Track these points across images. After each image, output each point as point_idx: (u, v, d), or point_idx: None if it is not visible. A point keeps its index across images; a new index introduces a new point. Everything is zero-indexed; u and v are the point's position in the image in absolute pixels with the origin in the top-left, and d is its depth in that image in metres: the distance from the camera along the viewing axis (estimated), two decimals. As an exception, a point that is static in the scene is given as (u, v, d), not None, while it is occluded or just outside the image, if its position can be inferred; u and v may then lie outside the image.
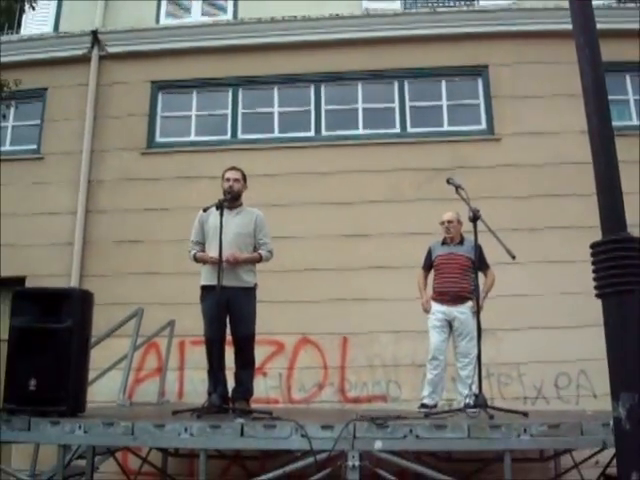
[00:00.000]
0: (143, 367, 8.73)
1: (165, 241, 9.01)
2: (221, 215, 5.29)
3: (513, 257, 5.09)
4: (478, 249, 5.96)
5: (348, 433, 4.04)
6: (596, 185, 3.13)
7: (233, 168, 5.98)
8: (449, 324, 6.44)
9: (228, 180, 5.84)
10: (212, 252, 5.55)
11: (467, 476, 6.38)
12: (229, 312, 5.58)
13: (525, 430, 4.15)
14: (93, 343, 7.66)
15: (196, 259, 5.78)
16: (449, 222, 6.57)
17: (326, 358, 8.56)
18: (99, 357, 7.94)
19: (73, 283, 9.03)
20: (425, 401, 6.29)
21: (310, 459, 4.06)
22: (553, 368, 8.14)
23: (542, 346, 8.06)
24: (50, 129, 10.02)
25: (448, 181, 5.65)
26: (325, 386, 8.49)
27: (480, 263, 6.22)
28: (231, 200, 5.73)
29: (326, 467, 4.13)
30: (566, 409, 7.77)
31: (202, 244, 5.80)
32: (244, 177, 5.99)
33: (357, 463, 3.96)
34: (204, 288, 5.68)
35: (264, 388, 8.39)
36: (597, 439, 4.17)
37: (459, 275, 6.43)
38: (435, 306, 6.51)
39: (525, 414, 4.94)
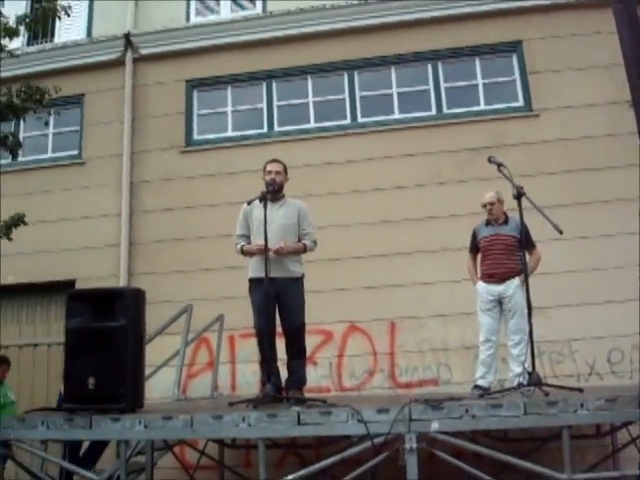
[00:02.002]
0: (195, 362, 8.86)
1: (209, 237, 9.10)
2: (265, 207, 5.32)
3: (560, 232, 5.04)
4: (524, 228, 5.89)
5: (404, 416, 4.06)
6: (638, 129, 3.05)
7: (274, 160, 6.01)
8: (499, 303, 6.37)
9: (270, 173, 5.87)
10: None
11: (523, 455, 6.32)
12: (278, 303, 5.63)
13: (582, 405, 4.12)
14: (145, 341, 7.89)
15: (243, 252, 5.83)
16: (490, 204, 6.48)
17: (375, 345, 8.57)
18: (151, 355, 8.01)
19: (121, 283, 9.19)
20: (479, 382, 6.25)
21: (367, 443, 4.09)
22: (605, 343, 8.01)
23: (593, 322, 7.97)
24: (90, 134, 10.20)
25: (489, 160, 5.59)
26: (375, 372, 8.51)
27: (526, 242, 6.15)
28: (274, 192, 5.76)
29: (383, 451, 4.15)
30: (620, 384, 7.65)
31: (247, 237, 5.85)
32: (285, 169, 6.02)
33: (414, 445, 3.98)
34: (252, 280, 5.73)
35: (315, 377, 8.40)
36: (656, 411, 4.11)
37: (506, 255, 6.36)
38: (484, 287, 6.45)
39: (580, 390, 4.90)
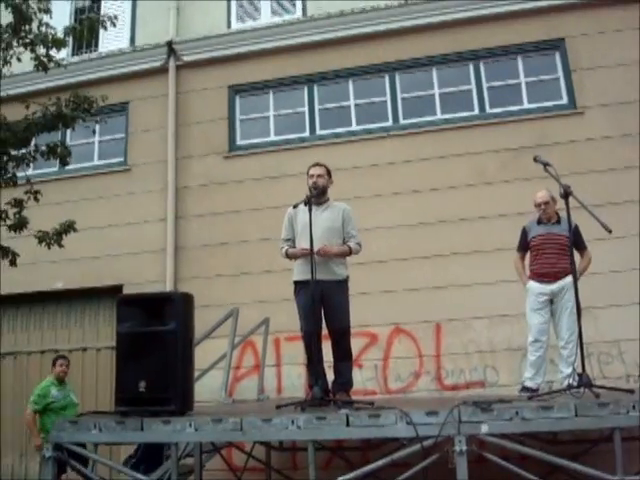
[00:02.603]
0: (241, 365, 8.95)
1: (254, 241, 9.19)
2: (310, 211, 5.34)
3: (609, 231, 4.97)
4: (575, 228, 5.85)
5: (453, 418, 4.04)
6: None
7: (317, 164, 6.03)
8: (550, 303, 6.28)
9: (312, 176, 5.90)
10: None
11: (573, 458, 6.24)
12: (323, 305, 5.64)
13: (634, 406, 4.05)
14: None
15: (288, 255, 5.87)
16: (545, 204, 6.35)
17: (420, 347, 8.56)
18: (198, 358, 8.05)
19: (168, 288, 9.33)
20: (527, 384, 6.18)
21: (416, 446, 4.08)
22: (655, 344, 7.87)
23: (642, 322, 7.84)
24: (135, 141, 10.39)
25: (535, 159, 5.52)
26: (421, 375, 8.49)
27: (578, 243, 6.11)
28: (317, 196, 5.78)
29: (432, 453, 4.14)
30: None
31: (292, 241, 5.88)
32: (329, 172, 6.03)
33: (464, 448, 3.96)
34: (297, 283, 5.76)
35: (361, 380, 8.41)
36: None
37: (559, 255, 6.23)
38: (535, 286, 6.33)
39: (631, 391, 4.82)
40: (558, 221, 6.35)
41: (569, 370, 5.82)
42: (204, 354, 7.96)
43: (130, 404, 4.73)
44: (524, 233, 6.58)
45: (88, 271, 9.76)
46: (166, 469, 5.53)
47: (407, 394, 8.44)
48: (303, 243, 5.59)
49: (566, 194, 5.24)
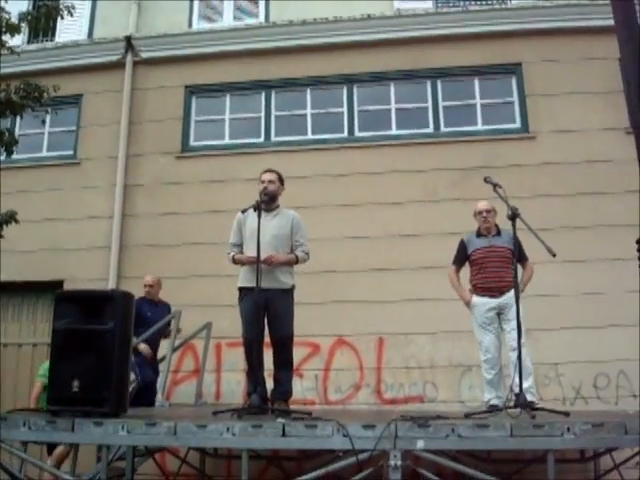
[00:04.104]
0: (180, 369, 8.80)
1: (201, 244, 9.08)
2: (259, 217, 5.30)
3: (554, 255, 5.04)
4: (517, 240, 5.83)
5: (390, 433, 4.02)
6: (638, 155, 3.04)
7: (269, 170, 6.01)
8: (497, 317, 6.24)
9: (263, 182, 5.87)
10: (250, 254, 5.58)
11: (507, 477, 6.31)
12: (267, 313, 5.60)
13: (569, 429, 4.09)
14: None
15: (234, 261, 5.81)
16: (487, 212, 6.34)
17: (362, 359, 8.55)
18: None
19: (110, 286, 9.15)
20: (494, 402, 6.08)
21: (351, 459, 4.05)
22: (592, 368, 8.03)
23: (580, 346, 8.00)
24: (86, 135, 10.18)
25: (486, 179, 5.58)
26: (361, 387, 8.48)
27: (520, 255, 6.05)
28: (267, 202, 5.75)
29: (367, 467, 4.12)
30: (606, 409, 7.65)
31: (240, 246, 5.83)
32: (280, 179, 6.02)
33: (399, 462, 3.94)
34: (242, 289, 5.71)
35: (300, 389, 8.35)
36: (640, 438, 4.10)
37: (503, 268, 6.21)
38: (480, 302, 6.28)
39: (567, 414, 4.87)
40: (498, 233, 6.32)
41: (527, 383, 5.79)
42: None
43: (63, 403, 4.59)
44: (462, 245, 6.54)
45: (29, 264, 9.49)
46: (96, 472, 5.40)
47: (346, 406, 8.42)
48: (251, 249, 5.54)
49: (513, 216, 5.29)
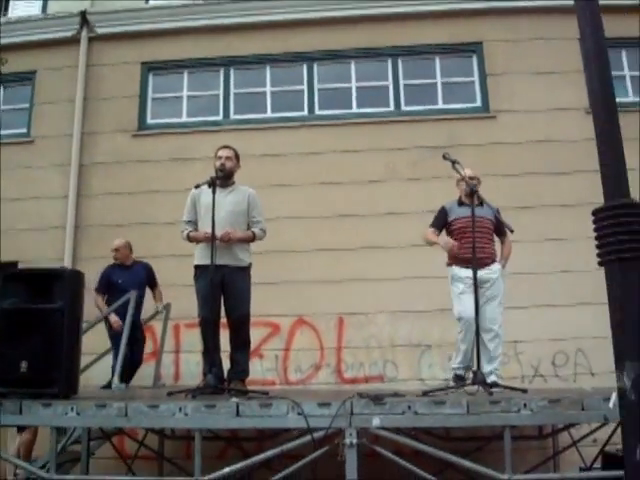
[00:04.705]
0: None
1: (159, 224, 8.90)
2: (214, 193, 5.19)
3: (511, 231, 5.03)
4: (498, 212, 5.74)
5: (345, 410, 3.97)
6: (598, 148, 3.00)
7: (225, 146, 5.90)
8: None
9: (220, 158, 5.75)
10: (206, 230, 5.44)
11: (465, 455, 6.30)
12: (223, 292, 5.50)
13: (525, 405, 4.09)
14: (86, 327, 7.66)
15: (189, 238, 5.69)
16: (471, 178, 5.89)
17: (322, 339, 8.51)
18: (94, 341, 7.91)
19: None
20: (459, 372, 5.88)
21: (306, 437, 4.00)
22: (550, 346, 8.10)
23: (539, 324, 8.03)
24: (40, 112, 9.90)
25: (444, 156, 5.51)
26: (321, 367, 8.45)
27: (501, 227, 5.86)
28: (223, 178, 5.64)
29: (323, 446, 4.06)
30: (564, 387, 7.72)
31: (195, 223, 5.71)
32: (237, 156, 5.91)
33: (354, 441, 3.89)
34: (197, 267, 5.60)
35: (260, 370, 8.35)
36: (598, 414, 4.11)
37: (485, 239, 5.94)
38: (461, 271, 5.88)
39: (524, 391, 4.88)
40: (481, 204, 5.91)
41: (492, 366, 5.74)
42: (102, 338, 7.79)
43: (10, 385, 4.45)
44: (443, 212, 6.18)
45: (-19, 245, 9.26)
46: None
47: (307, 386, 8.38)
48: (206, 226, 5.42)
49: (471, 192, 5.26)
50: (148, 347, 8.57)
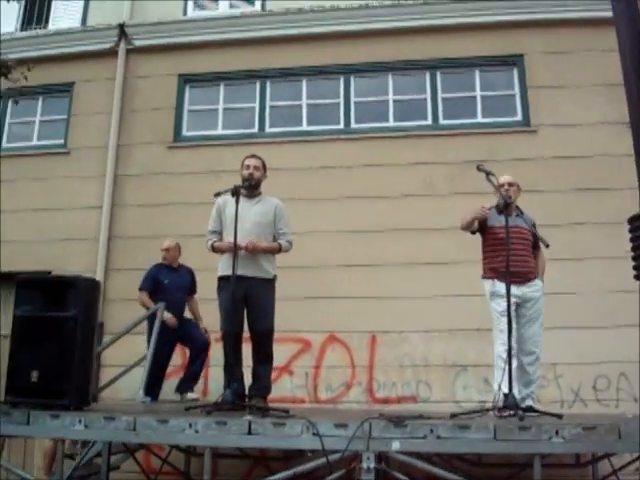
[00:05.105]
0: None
1: (191, 236, 8.71)
2: (237, 202, 5.05)
3: (547, 246, 4.77)
4: (534, 224, 5.42)
5: (363, 432, 3.73)
6: (635, 150, 2.77)
7: (253, 156, 5.78)
8: (515, 311, 5.49)
9: (248, 167, 5.63)
10: (230, 241, 5.29)
11: (498, 481, 6.04)
12: (247, 304, 5.35)
13: (557, 432, 3.79)
14: (113, 339, 7.59)
15: (214, 249, 5.56)
16: (510, 185, 5.62)
17: (354, 357, 8.27)
18: (123, 354, 7.87)
19: (98, 278, 8.88)
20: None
21: (321, 460, 3.77)
22: (592, 370, 7.74)
23: (580, 347, 7.70)
24: (77, 123, 9.93)
25: (478, 168, 5.27)
26: (352, 386, 8.21)
27: (537, 240, 5.54)
28: (250, 188, 5.52)
29: (339, 469, 3.83)
30: (605, 413, 7.37)
31: (220, 233, 5.58)
32: (264, 166, 5.77)
33: (372, 465, 3.65)
34: (221, 279, 5.45)
35: (290, 387, 8.22)
36: (637, 443, 3.80)
37: (526, 251, 5.59)
38: (503, 287, 5.24)
39: (559, 416, 4.55)
40: (521, 213, 5.57)
41: (529, 390, 5.49)
42: (131, 350, 7.67)
43: (21, 394, 4.34)
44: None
45: (15, 255, 9.25)
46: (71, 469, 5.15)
47: (337, 405, 8.16)
48: (231, 236, 5.25)
49: (506, 205, 5.02)
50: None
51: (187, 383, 7.40)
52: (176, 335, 7.32)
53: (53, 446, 6.96)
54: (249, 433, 3.86)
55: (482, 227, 5.71)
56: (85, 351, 4.45)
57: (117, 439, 4.34)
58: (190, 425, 3.90)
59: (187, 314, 7.75)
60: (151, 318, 7.34)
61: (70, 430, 4.08)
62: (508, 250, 4.97)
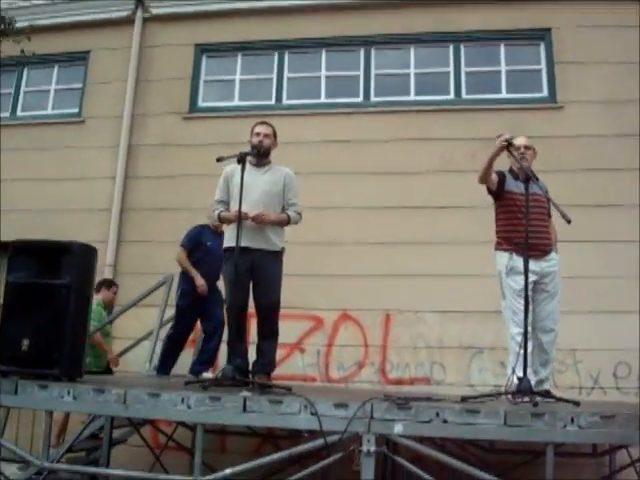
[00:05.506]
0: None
1: (205, 208, 8.60)
2: (242, 169, 4.84)
3: (569, 221, 4.46)
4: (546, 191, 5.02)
5: (365, 413, 3.51)
6: None
7: (264, 122, 5.56)
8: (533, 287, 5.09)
9: (258, 135, 5.41)
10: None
11: (510, 469, 5.81)
12: (253, 277, 5.13)
13: (573, 420, 3.53)
14: (122, 310, 7.47)
15: (220, 219, 5.35)
16: (526, 148, 5.25)
17: (367, 336, 8.09)
18: (132, 326, 7.79)
19: (110, 250, 8.87)
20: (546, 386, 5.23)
21: (319, 441, 3.56)
22: (612, 356, 7.46)
23: (601, 332, 7.45)
24: (92, 92, 9.79)
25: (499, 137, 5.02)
26: (365, 365, 8.04)
27: (549, 208, 5.19)
28: (259, 157, 5.30)
29: (337, 451, 3.61)
30: (625, 401, 7.09)
31: (227, 203, 5.37)
32: (275, 134, 5.54)
33: (373, 448, 3.43)
34: (227, 250, 5.21)
35: (301, 365, 8.11)
36: (657, 434, 3.54)
37: (545, 222, 5.22)
38: (521, 262, 4.80)
39: (577, 403, 4.30)
40: (536, 178, 5.07)
41: (547, 371, 5.26)
42: (141, 323, 7.64)
43: (11, 363, 4.17)
44: (502, 175, 5.33)
45: (28, 224, 9.10)
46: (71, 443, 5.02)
47: (348, 384, 7.98)
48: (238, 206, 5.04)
49: (527, 177, 4.75)
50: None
51: (202, 365, 7.03)
52: (202, 306, 6.91)
53: (65, 415, 6.87)
54: (244, 410, 3.65)
55: (498, 191, 5.30)
56: (78, 320, 4.26)
57: (106, 412, 4.15)
58: (182, 400, 3.70)
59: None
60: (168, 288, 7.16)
61: (58, 402, 3.90)
62: (527, 227, 4.68)
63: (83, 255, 4.43)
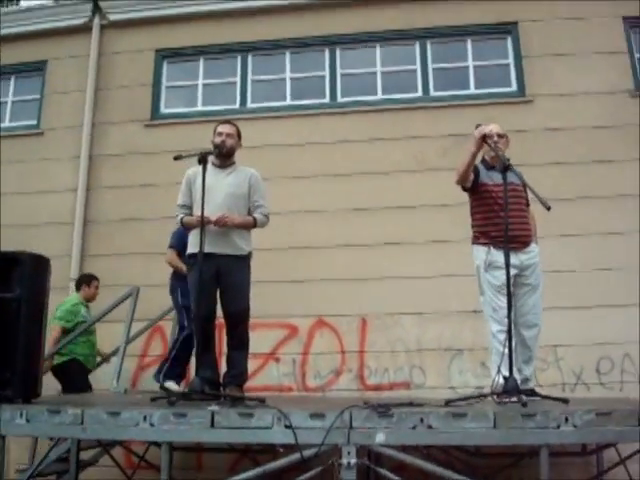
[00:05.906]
0: (147, 353, 8.16)
1: (171, 218, 8.29)
2: (204, 170, 4.60)
3: (548, 208, 4.29)
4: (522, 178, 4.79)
5: (343, 423, 3.26)
6: None
7: (227, 122, 5.33)
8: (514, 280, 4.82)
9: (220, 134, 5.17)
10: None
11: (496, 472, 5.61)
12: (219, 284, 4.87)
13: (567, 419, 3.32)
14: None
15: (183, 224, 5.09)
16: (499, 136, 5.04)
17: (343, 342, 7.88)
18: (102, 342, 7.45)
19: (74, 263, 8.58)
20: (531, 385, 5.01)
21: (295, 455, 3.30)
22: (594, 351, 7.34)
23: (582, 327, 7.31)
24: (50, 103, 9.50)
25: (477, 128, 4.84)
26: (342, 372, 7.82)
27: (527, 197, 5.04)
28: (222, 157, 5.06)
29: (316, 465, 3.35)
30: (609, 397, 6.99)
31: (190, 207, 5.12)
32: (239, 134, 5.30)
33: (353, 460, 3.18)
34: (191, 256, 4.96)
35: (277, 375, 7.86)
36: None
37: (524, 212, 5.03)
38: (500, 256, 4.67)
39: (565, 401, 4.09)
40: (509, 166, 4.71)
41: (531, 369, 5.08)
42: (111, 338, 7.34)
43: (-39, 385, 3.86)
44: (476, 169, 5.10)
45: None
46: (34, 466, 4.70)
47: (326, 392, 7.74)
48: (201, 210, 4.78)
49: (505, 167, 4.55)
50: (157, 349, 8.09)
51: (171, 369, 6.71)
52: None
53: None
54: (212, 426, 3.38)
55: (473, 186, 5.10)
56: (32, 336, 3.96)
57: (62, 434, 3.84)
58: (145, 418, 3.41)
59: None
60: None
61: (11, 425, 3.60)
62: (506, 219, 4.49)
63: (34, 266, 4.13)
